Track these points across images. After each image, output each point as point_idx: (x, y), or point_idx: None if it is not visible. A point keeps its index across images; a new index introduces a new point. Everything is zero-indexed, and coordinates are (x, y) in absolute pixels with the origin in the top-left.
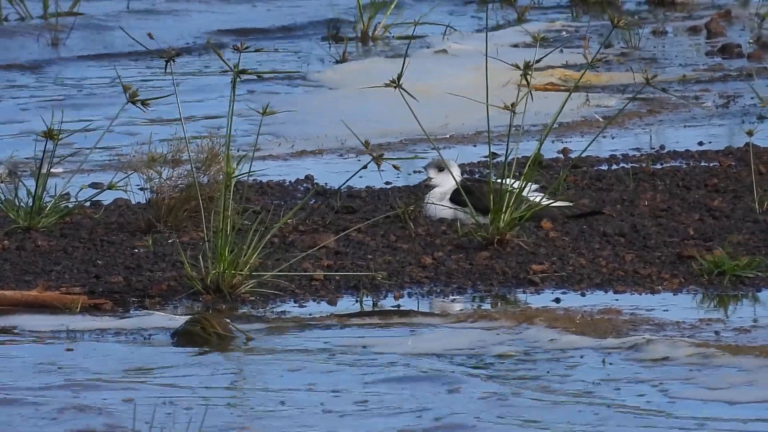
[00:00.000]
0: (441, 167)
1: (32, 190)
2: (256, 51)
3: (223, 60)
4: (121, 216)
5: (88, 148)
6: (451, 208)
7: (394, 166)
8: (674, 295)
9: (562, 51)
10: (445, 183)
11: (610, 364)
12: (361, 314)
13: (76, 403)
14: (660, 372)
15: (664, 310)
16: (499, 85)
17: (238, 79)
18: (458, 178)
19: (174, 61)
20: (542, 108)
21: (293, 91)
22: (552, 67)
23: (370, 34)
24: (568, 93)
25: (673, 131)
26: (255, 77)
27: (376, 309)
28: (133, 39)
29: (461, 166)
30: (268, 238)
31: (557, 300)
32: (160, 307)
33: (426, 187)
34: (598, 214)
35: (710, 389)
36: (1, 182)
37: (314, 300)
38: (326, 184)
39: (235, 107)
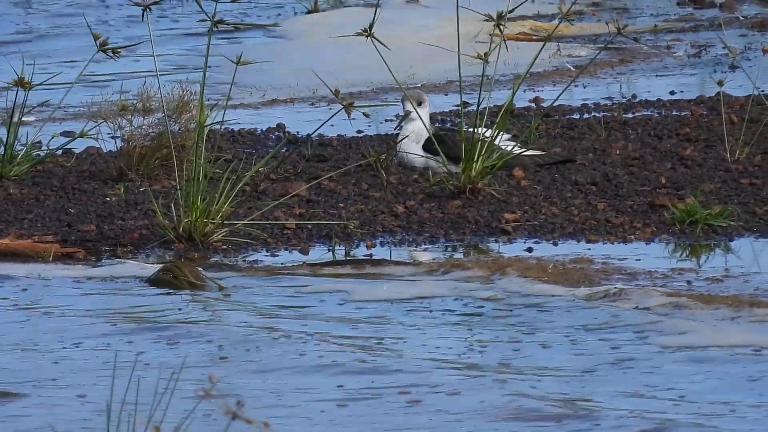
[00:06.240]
0: (420, 101)
1: (3, 138)
2: (232, 1)
3: (203, 9)
4: (92, 164)
5: (65, 86)
6: (423, 156)
7: (364, 114)
8: (647, 244)
9: (533, 1)
10: (417, 128)
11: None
12: (334, 263)
13: None
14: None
15: (637, 260)
16: (470, 36)
17: (210, 29)
18: (427, 117)
19: (150, 9)
20: (514, 58)
21: (264, 41)
22: (524, 18)
23: None
24: (541, 43)
25: (644, 81)
26: (225, 27)
27: (348, 258)
28: None
29: (433, 115)
30: (240, 186)
31: (529, 249)
32: (132, 256)
33: (405, 119)
34: (569, 161)
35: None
36: None
37: (286, 249)
38: (298, 132)
39: (202, 57)
